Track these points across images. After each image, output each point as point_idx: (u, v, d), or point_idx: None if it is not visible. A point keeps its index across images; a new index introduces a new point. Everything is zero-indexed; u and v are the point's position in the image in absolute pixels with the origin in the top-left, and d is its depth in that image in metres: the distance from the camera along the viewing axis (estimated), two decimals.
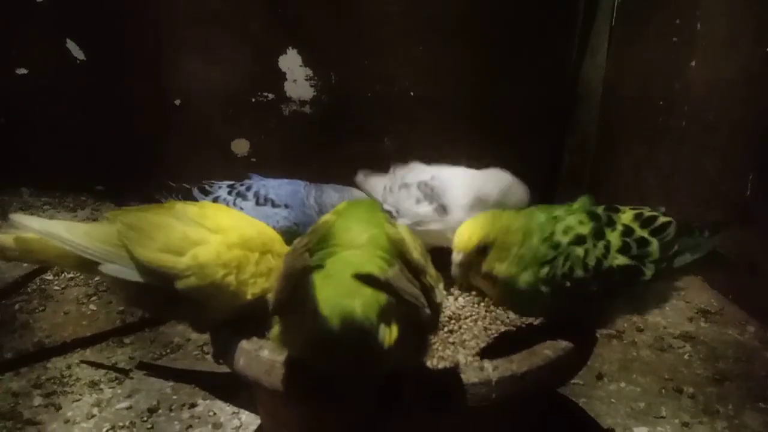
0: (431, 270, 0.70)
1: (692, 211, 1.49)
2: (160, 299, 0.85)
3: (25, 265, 1.43)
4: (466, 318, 0.98)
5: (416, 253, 0.67)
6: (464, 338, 0.92)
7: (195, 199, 1.22)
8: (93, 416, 0.97)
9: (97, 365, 1.10)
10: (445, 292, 0.73)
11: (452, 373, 0.75)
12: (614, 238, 0.81)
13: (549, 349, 0.78)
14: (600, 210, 0.84)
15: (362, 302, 0.59)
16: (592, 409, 1.03)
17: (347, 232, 0.67)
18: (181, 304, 0.83)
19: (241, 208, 1.15)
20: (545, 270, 0.80)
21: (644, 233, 0.82)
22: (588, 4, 1.86)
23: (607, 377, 1.11)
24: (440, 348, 0.89)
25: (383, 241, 0.66)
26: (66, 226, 0.86)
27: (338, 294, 0.60)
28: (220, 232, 0.82)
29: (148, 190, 1.34)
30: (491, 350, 0.88)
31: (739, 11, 1.36)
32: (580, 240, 0.81)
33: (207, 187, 1.24)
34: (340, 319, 0.59)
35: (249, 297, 0.81)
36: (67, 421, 0.96)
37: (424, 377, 0.73)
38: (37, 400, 1.00)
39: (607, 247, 0.80)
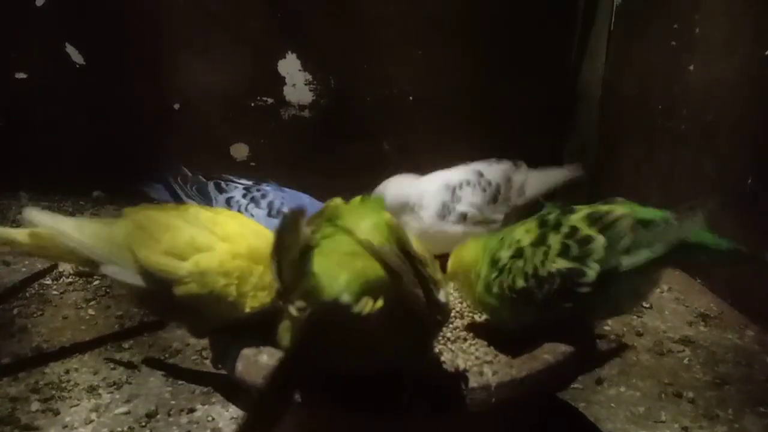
0: (436, 273, 0.70)
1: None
2: (160, 303, 0.85)
3: (24, 269, 1.43)
4: (465, 323, 0.98)
5: (417, 246, 0.68)
6: (464, 343, 0.92)
7: (208, 194, 1.21)
8: (91, 421, 0.97)
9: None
10: (451, 296, 0.74)
11: (452, 377, 0.75)
12: (555, 242, 0.80)
13: (549, 354, 0.78)
14: (552, 214, 0.84)
15: (349, 273, 0.61)
16: (592, 413, 1.03)
17: (352, 216, 0.68)
18: (180, 309, 0.83)
19: (252, 215, 1.15)
20: (495, 288, 0.84)
21: (591, 231, 0.79)
22: (587, 6, 1.87)
23: (606, 381, 1.11)
24: (440, 352, 0.89)
25: (385, 229, 0.67)
26: (76, 224, 0.86)
27: (328, 266, 0.61)
28: (228, 240, 0.81)
29: (150, 184, 1.33)
30: (491, 355, 0.88)
31: (737, 14, 1.36)
32: (520, 252, 0.82)
33: (223, 184, 1.23)
34: (322, 286, 0.60)
35: (247, 310, 0.79)
36: (65, 427, 0.96)
37: (424, 381, 0.73)
38: (35, 405, 1.00)
39: (546, 253, 0.80)
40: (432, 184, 1.17)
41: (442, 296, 0.69)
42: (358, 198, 0.75)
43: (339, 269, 0.61)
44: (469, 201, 1.15)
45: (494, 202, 1.18)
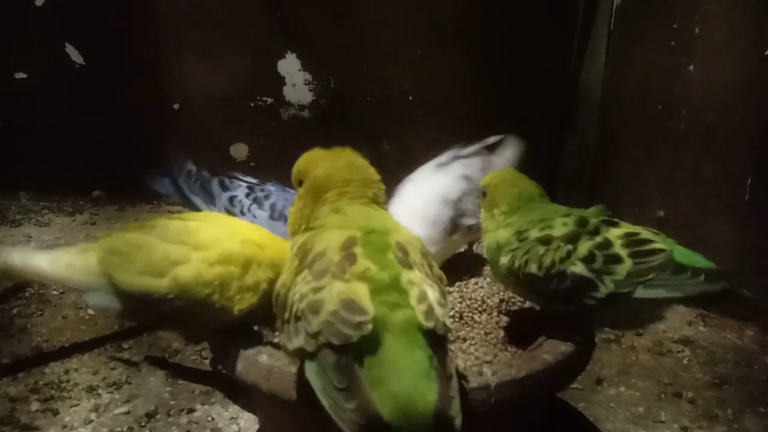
0: (437, 280, 0.69)
1: (691, 214, 1.49)
2: (148, 319, 0.85)
3: None
4: (466, 323, 0.98)
5: (435, 297, 0.65)
6: (463, 343, 0.92)
7: (211, 191, 1.21)
8: (91, 421, 0.97)
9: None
10: (450, 296, 0.73)
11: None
12: (584, 246, 0.80)
13: (548, 354, 0.78)
14: (596, 218, 0.83)
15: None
16: (592, 413, 1.03)
17: (377, 301, 0.63)
18: (168, 322, 0.83)
19: (255, 216, 1.14)
20: (507, 258, 0.84)
21: (623, 251, 0.79)
22: (587, 7, 1.87)
23: (606, 382, 1.11)
24: None
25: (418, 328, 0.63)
26: (48, 259, 0.85)
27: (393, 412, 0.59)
28: (202, 248, 0.80)
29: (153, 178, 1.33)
30: (491, 355, 0.88)
31: (737, 15, 1.36)
32: (547, 240, 0.82)
33: (227, 181, 1.22)
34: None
35: (236, 313, 0.79)
36: (64, 427, 0.96)
37: None
38: (35, 405, 1.00)
39: (570, 253, 0.80)
40: (431, 204, 1.13)
41: (448, 322, 0.68)
42: (361, 233, 0.69)
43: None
44: (472, 212, 1.15)
45: None
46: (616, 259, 0.79)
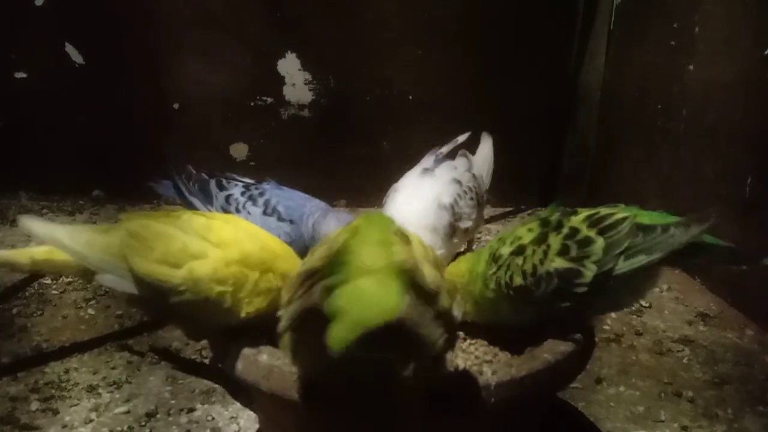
0: (445, 283, 0.69)
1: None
2: (156, 309, 0.85)
3: None
4: (466, 323, 0.98)
5: (429, 273, 0.65)
6: (463, 343, 0.92)
7: (209, 191, 1.21)
8: (91, 421, 0.97)
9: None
10: (461, 301, 0.73)
11: (451, 377, 0.75)
12: (555, 241, 0.81)
13: (548, 353, 0.78)
14: (554, 215, 0.85)
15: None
16: (591, 413, 1.03)
17: (362, 255, 0.63)
18: (176, 315, 0.83)
19: (249, 213, 1.15)
20: (492, 284, 0.84)
21: (591, 232, 0.80)
22: (587, 7, 1.87)
23: (606, 381, 1.11)
24: None
25: (397, 269, 0.63)
26: (70, 233, 0.85)
27: (348, 330, 0.58)
28: (222, 246, 0.80)
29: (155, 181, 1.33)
30: (491, 354, 0.88)
31: (736, 15, 1.36)
32: (520, 249, 0.83)
33: (224, 182, 1.23)
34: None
35: (242, 315, 0.79)
36: (64, 426, 0.96)
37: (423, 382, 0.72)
38: (35, 405, 1.00)
39: (546, 252, 0.81)
40: (430, 210, 1.13)
41: (456, 311, 0.68)
42: (359, 221, 0.70)
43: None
44: (467, 215, 1.17)
45: (478, 206, 1.21)
46: (588, 241, 0.80)
